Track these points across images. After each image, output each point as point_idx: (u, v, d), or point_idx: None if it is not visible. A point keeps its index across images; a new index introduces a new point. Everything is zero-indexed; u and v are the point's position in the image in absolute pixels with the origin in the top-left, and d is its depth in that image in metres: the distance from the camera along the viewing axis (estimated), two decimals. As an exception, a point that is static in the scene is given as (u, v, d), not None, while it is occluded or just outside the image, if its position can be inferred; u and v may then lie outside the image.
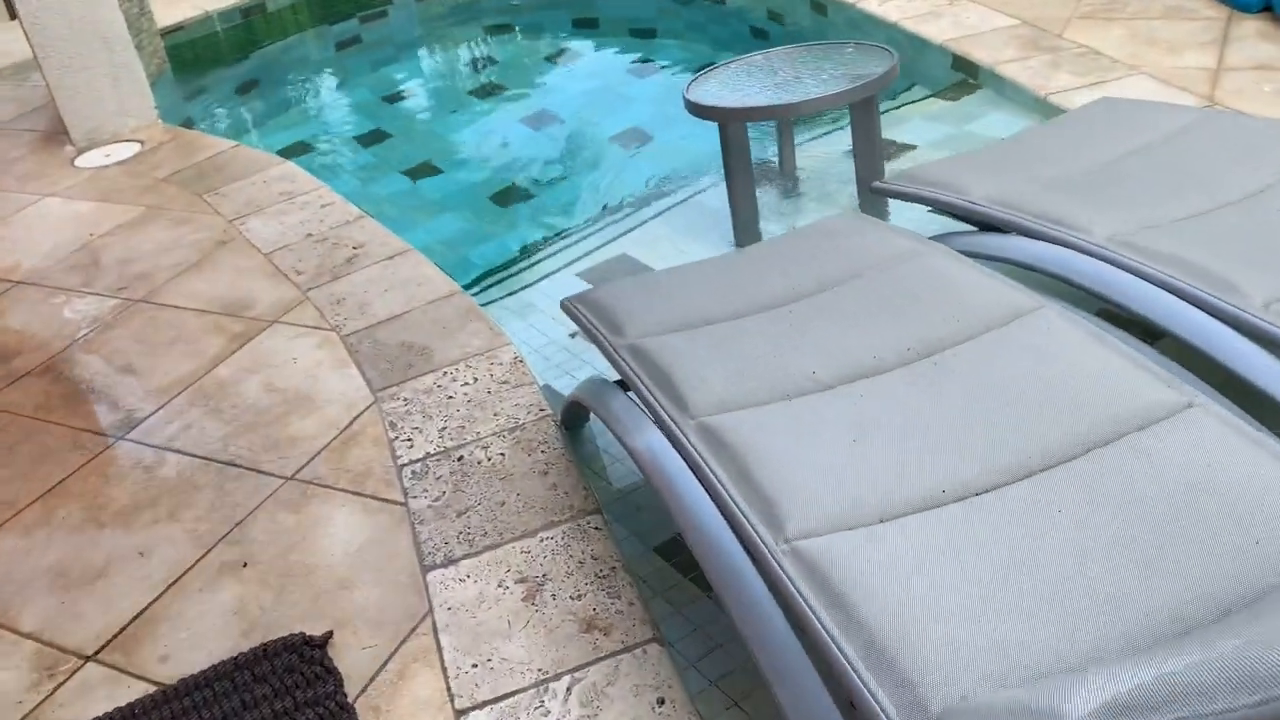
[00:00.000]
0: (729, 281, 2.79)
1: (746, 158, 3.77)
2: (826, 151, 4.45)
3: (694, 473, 2.18)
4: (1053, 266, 2.63)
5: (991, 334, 2.32)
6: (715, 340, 2.48)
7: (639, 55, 6.55)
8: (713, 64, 4.01)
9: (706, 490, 2.12)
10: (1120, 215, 2.69)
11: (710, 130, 5.28)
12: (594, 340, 2.68)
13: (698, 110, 3.70)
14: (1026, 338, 2.27)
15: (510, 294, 3.97)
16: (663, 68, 6.36)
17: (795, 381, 2.28)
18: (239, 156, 5.18)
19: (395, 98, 6.46)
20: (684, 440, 2.21)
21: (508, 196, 5.35)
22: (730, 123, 3.69)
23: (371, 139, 6.03)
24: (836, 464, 2.01)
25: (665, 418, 2.28)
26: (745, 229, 3.87)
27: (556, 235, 4.82)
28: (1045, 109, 4.32)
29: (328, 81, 7.05)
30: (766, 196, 4.18)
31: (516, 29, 7.14)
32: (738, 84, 3.83)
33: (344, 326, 3.59)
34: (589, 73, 6.46)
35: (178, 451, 3.12)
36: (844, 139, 4.48)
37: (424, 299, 3.66)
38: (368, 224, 4.25)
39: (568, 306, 2.87)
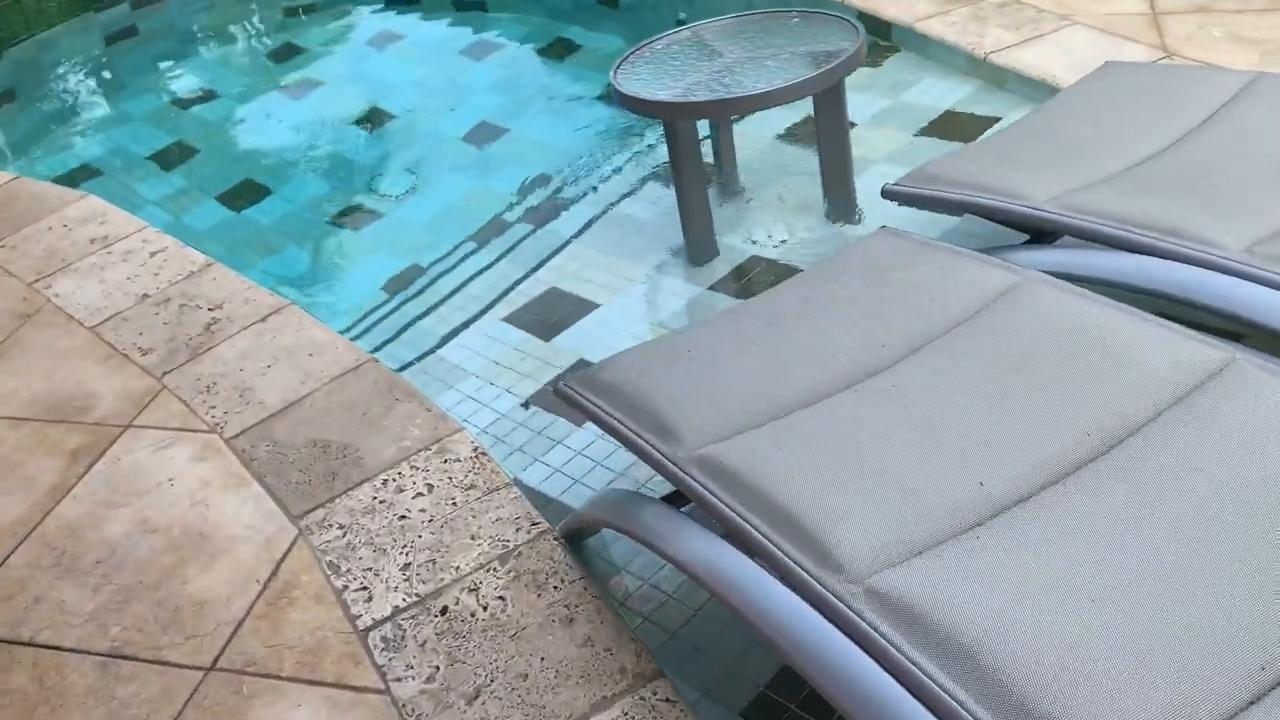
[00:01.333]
0: (780, 344, 2.16)
1: (699, 160, 3.13)
2: (758, 136, 3.84)
3: (853, 638, 1.57)
4: (1185, 290, 2.11)
5: (1187, 406, 1.78)
6: (819, 442, 1.85)
7: (471, 33, 5.77)
8: (637, 45, 3.32)
9: (880, 663, 1.51)
10: (1246, 221, 2.20)
11: (578, 119, 4.60)
12: (633, 449, 2.00)
13: (638, 105, 3.03)
14: (1238, 409, 1.74)
15: (421, 355, 3.21)
16: (500, 48, 5.60)
17: (966, 505, 1.68)
18: (20, 193, 4.15)
19: (192, 101, 5.46)
20: (840, 605, 1.59)
21: (356, 218, 4.52)
22: (681, 120, 3.03)
23: (173, 156, 5.05)
24: (1082, 638, 1.43)
25: (806, 576, 1.64)
26: (700, 244, 3.24)
27: (441, 268, 4.05)
28: (990, 71, 3.85)
29: (104, 86, 5.94)
30: (702, 199, 3.55)
31: (321, 8, 6.20)
32: (676, 69, 3.18)
33: (226, 425, 2.76)
34: (418, 58, 5.63)
35: (29, 644, 2.27)
36: (774, 121, 3.89)
37: (324, 374, 2.87)
38: (220, 274, 3.39)
39: (575, 397, 2.17)
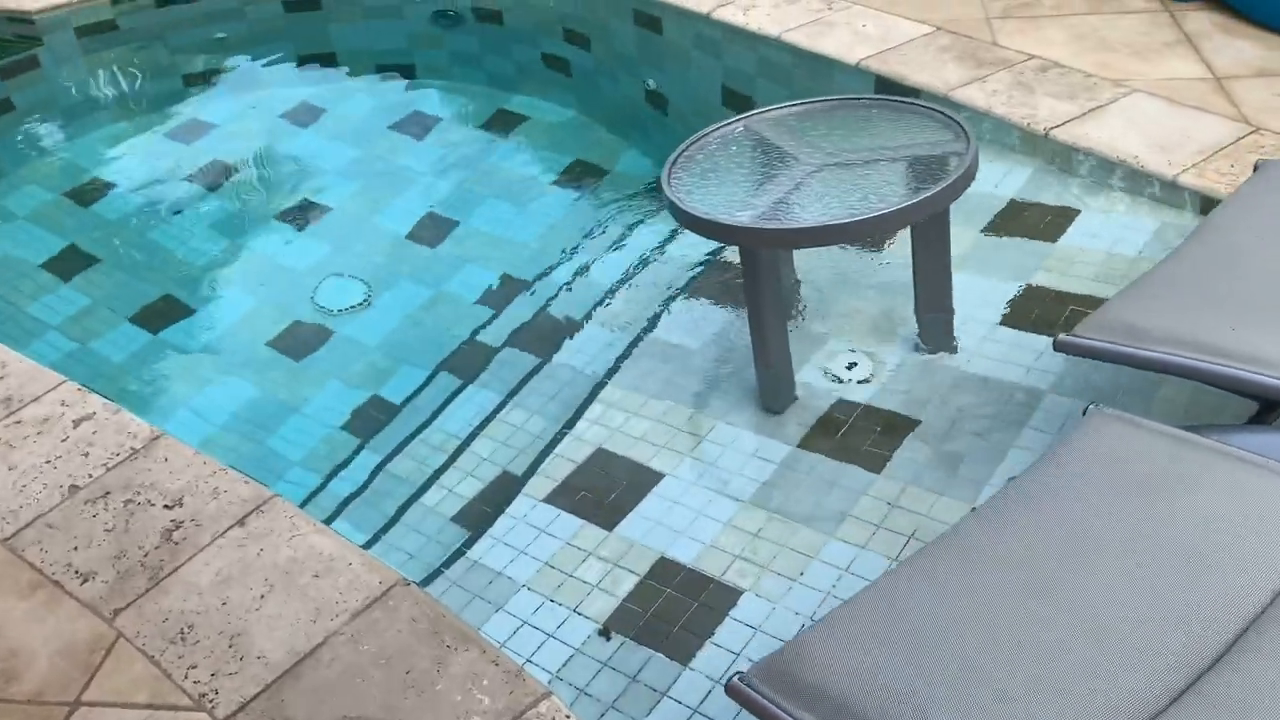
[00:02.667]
0: (1043, 611, 1.58)
1: (779, 293, 2.55)
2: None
3: None
4: None
5: None
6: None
7: (401, 105, 5.09)
8: (684, 144, 2.72)
9: None
10: None
11: (538, 208, 4.00)
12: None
13: (713, 231, 2.44)
14: None
15: (449, 558, 2.54)
16: (436, 122, 4.94)
17: None
18: (-115, 339, 3.34)
19: (87, 194, 4.67)
20: None
21: (299, 339, 3.83)
22: (768, 249, 2.45)
23: (70, 265, 4.26)
24: None
25: None
26: (779, 389, 2.65)
27: (424, 409, 3.39)
28: (1052, 150, 3.36)
29: (-26, 175, 5.08)
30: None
31: (228, 75, 5.43)
32: (744, 178, 2.59)
33: (217, 697, 2.06)
34: (346, 136, 4.93)
35: None
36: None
37: (342, 607, 2.19)
38: (171, 450, 2.66)
39: (763, 704, 1.55)
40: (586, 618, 2.27)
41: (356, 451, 3.38)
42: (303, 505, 3.25)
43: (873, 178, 2.47)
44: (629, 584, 2.33)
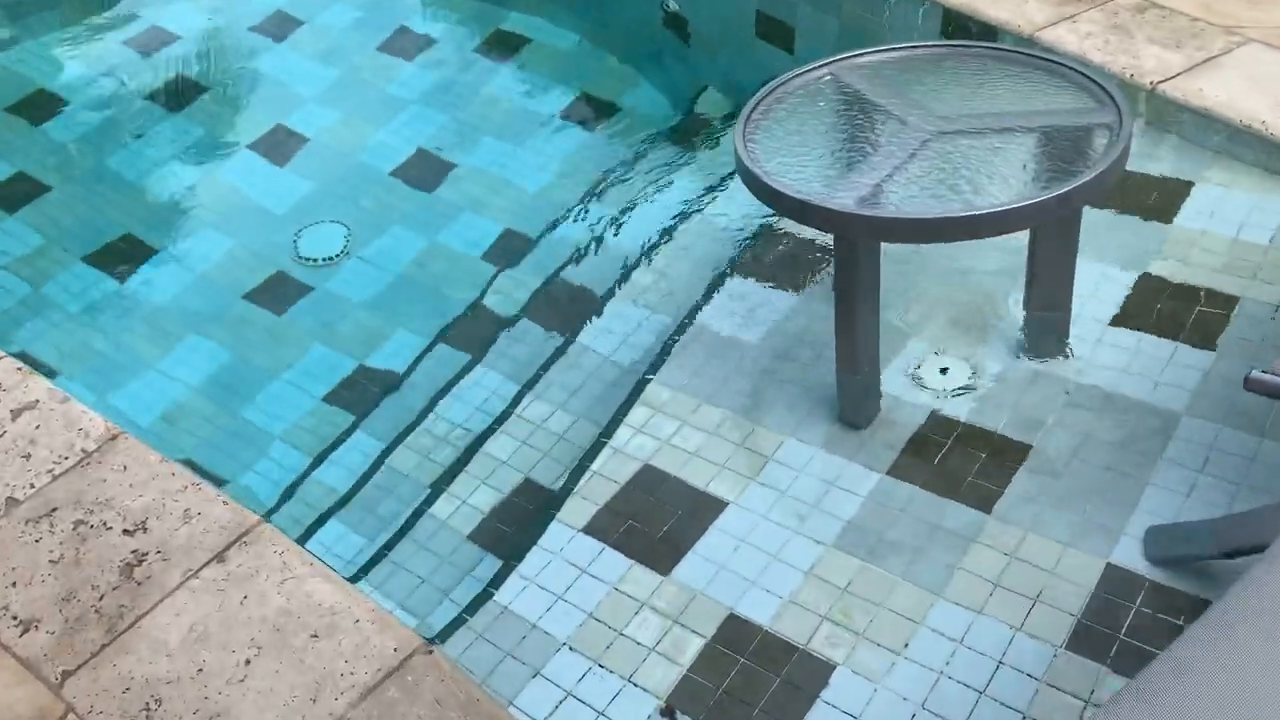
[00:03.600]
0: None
1: (877, 292, 2.11)
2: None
3: None
4: None
5: None
6: None
7: (387, 19, 4.47)
8: (763, 92, 2.24)
9: None
10: None
11: (545, 148, 3.64)
12: None
13: (814, 217, 1.97)
14: None
15: (473, 602, 2.11)
16: (428, 43, 4.34)
17: None
18: None
19: (31, 110, 4.11)
20: None
21: (278, 297, 3.35)
22: (874, 241, 2.00)
23: (15, 193, 3.73)
24: None
25: None
26: (864, 403, 2.23)
27: (425, 386, 2.94)
28: (1158, 106, 2.91)
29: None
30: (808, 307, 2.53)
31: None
32: (839, 143, 2.13)
33: (193, 804, 1.65)
34: (325, 54, 4.32)
35: None
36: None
37: (350, 681, 1.77)
38: (132, 454, 2.20)
39: None
40: (644, 690, 1.87)
41: (348, 432, 2.94)
42: (289, 493, 2.84)
43: (1006, 154, 2.02)
44: (694, 648, 1.92)
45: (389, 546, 2.44)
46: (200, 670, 1.81)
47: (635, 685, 1.87)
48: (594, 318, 2.80)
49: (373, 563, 2.42)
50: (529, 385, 2.66)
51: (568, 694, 1.88)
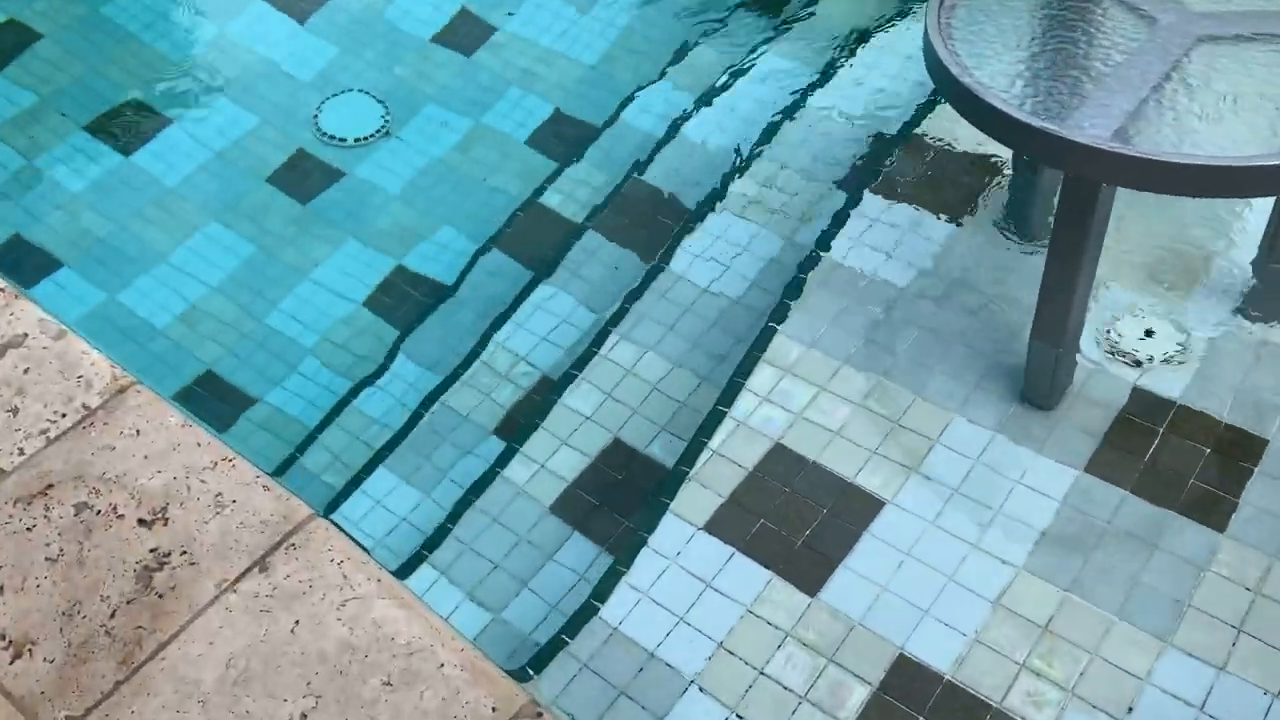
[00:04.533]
0: None
1: (1100, 241, 1.64)
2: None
3: None
4: None
5: None
6: None
7: None
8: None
9: None
10: None
11: (608, 17, 3.19)
12: None
13: (1035, 143, 1.51)
14: None
15: (572, 620, 1.71)
16: None
17: None
18: None
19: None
20: None
21: (306, 183, 2.90)
22: (1132, 187, 1.53)
23: (6, 45, 3.20)
24: None
25: None
26: (1058, 376, 1.78)
27: (472, 316, 2.50)
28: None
29: None
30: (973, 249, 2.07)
31: None
32: (1072, 49, 1.63)
33: None
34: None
35: None
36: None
37: (427, 752, 1.39)
38: (148, 410, 1.77)
39: None
40: (801, 759, 1.49)
41: (391, 355, 2.51)
42: (329, 419, 2.43)
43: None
44: (858, 699, 1.53)
45: (454, 517, 2.04)
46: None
47: (788, 748, 1.50)
48: (683, 239, 2.33)
49: (435, 539, 2.02)
50: (613, 321, 2.22)
51: (703, 757, 1.50)
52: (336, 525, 1.59)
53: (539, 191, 2.74)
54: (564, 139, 2.87)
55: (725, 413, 1.87)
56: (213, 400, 2.48)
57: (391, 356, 2.52)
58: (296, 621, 1.51)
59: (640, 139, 2.77)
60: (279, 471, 2.33)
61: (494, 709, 1.41)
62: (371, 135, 2.97)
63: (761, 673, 1.57)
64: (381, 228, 2.81)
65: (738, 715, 1.53)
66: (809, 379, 1.89)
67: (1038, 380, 1.78)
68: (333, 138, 2.95)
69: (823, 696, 1.54)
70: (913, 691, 1.53)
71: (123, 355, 2.65)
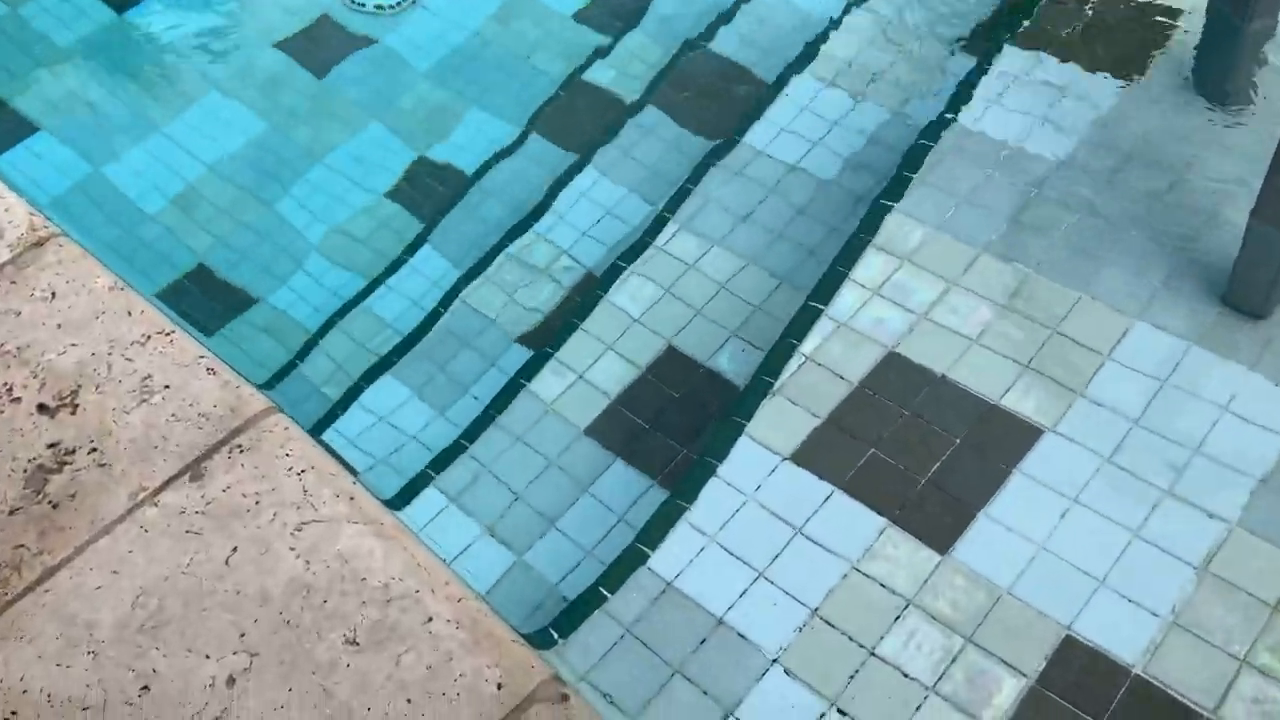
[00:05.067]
0: None
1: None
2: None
3: None
4: None
5: None
6: None
7: None
8: None
9: None
10: None
11: None
12: None
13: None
14: None
15: (614, 565, 1.28)
16: None
17: None
18: None
19: None
20: None
21: (321, 53, 2.49)
22: None
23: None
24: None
25: None
26: (1274, 275, 1.32)
27: (504, 206, 2.06)
28: None
29: None
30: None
31: None
32: None
33: None
34: None
35: None
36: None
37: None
38: (68, 269, 1.35)
39: None
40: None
41: (413, 249, 2.08)
42: (339, 314, 2.00)
43: None
44: (1008, 695, 1.10)
45: (470, 436, 1.61)
46: (145, 687, 1.01)
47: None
48: (765, 107, 1.87)
49: (448, 457, 1.59)
50: (670, 205, 1.77)
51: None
52: (294, 421, 1.15)
53: (583, 67, 2.29)
54: (612, 9, 2.42)
55: (821, 310, 1.42)
56: (205, 299, 2.08)
57: (412, 250, 2.09)
58: (234, 549, 1.09)
59: (705, 5, 2.31)
60: (272, 383, 1.92)
61: (499, 685, 0.99)
62: (396, 2, 2.54)
63: (872, 653, 1.13)
64: (405, 109, 2.38)
65: (839, 710, 1.09)
66: (935, 270, 1.44)
67: (1253, 278, 1.32)
68: (357, 2, 2.52)
69: (958, 689, 1.10)
70: (1087, 688, 1.09)
71: (105, 241, 2.27)
